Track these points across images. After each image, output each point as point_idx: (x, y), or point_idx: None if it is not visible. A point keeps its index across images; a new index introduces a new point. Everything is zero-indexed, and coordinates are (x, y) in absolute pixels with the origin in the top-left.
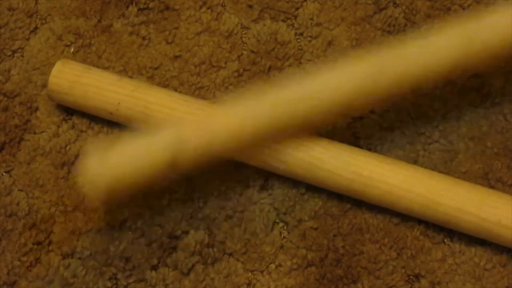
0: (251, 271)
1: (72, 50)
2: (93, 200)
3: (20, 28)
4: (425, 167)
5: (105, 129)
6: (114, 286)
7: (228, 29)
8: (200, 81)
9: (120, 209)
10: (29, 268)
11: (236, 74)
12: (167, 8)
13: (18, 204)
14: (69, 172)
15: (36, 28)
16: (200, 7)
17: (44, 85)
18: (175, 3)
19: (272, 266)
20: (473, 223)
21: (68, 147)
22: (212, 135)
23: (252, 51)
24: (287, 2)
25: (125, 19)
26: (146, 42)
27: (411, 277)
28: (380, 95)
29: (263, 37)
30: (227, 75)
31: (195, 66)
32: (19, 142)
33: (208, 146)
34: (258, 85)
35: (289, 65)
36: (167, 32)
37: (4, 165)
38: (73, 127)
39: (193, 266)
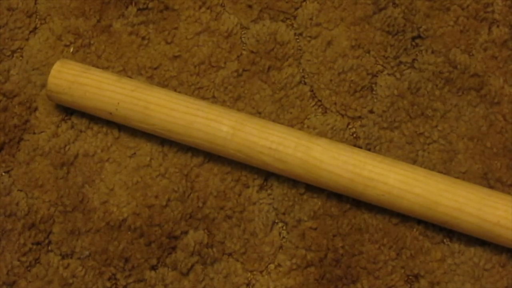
0: (251, 271)
1: (71, 50)
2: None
3: (19, 28)
4: (425, 167)
5: (104, 129)
6: (114, 286)
7: (227, 29)
8: (200, 81)
9: (120, 209)
10: (29, 268)
11: (235, 74)
12: (167, 8)
13: (17, 204)
14: (68, 172)
15: (35, 28)
16: (200, 7)
17: (43, 85)
18: (175, 3)
19: (272, 266)
20: (472, 224)
21: (67, 147)
22: None
23: (252, 51)
24: (287, 2)
25: (125, 19)
26: (145, 42)
27: (410, 277)
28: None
29: (262, 37)
30: (227, 75)
31: (195, 66)
32: (18, 142)
33: None
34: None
35: (289, 65)
36: (166, 32)
37: (3, 165)
38: (72, 127)
39: (192, 266)
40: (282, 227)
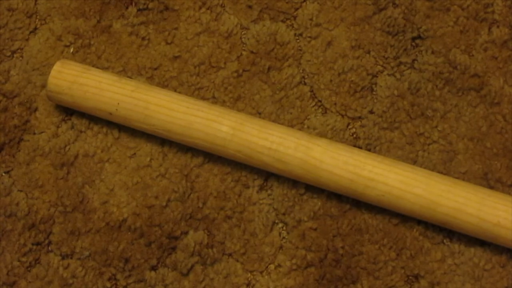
0: (251, 272)
1: (71, 50)
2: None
3: (19, 28)
4: (425, 167)
5: (104, 130)
6: (114, 287)
7: (227, 29)
8: (200, 81)
9: (120, 210)
10: (29, 269)
11: (235, 74)
12: (167, 8)
13: (17, 204)
14: (68, 172)
15: (35, 28)
16: (200, 8)
17: (44, 86)
18: (175, 3)
19: (272, 266)
20: (472, 224)
21: (67, 148)
22: None
23: (252, 52)
24: (287, 2)
25: (125, 19)
26: (145, 42)
27: (410, 277)
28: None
29: (262, 38)
30: (227, 75)
31: (195, 67)
32: (18, 143)
33: None
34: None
35: (289, 66)
36: (166, 33)
37: (3, 165)
38: (72, 127)
39: (192, 266)
40: (282, 227)
